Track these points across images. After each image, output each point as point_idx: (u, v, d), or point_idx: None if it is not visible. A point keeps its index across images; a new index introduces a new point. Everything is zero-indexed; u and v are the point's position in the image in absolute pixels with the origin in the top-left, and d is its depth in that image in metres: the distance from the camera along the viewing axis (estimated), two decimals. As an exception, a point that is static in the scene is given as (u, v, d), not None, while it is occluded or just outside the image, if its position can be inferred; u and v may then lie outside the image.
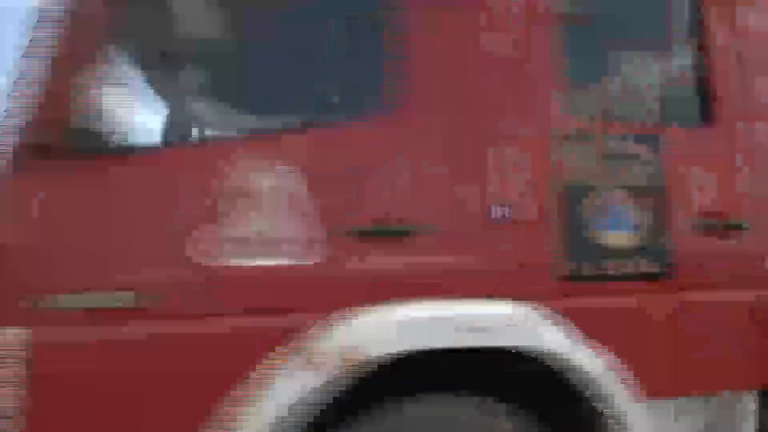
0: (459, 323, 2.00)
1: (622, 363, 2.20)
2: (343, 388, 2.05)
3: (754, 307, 2.37)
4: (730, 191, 2.41)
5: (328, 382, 1.89)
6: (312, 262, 1.98)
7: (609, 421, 2.12)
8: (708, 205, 2.38)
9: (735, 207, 2.41)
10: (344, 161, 2.04)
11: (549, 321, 2.13)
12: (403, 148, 2.10)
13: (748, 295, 2.37)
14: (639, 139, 2.35)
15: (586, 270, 2.22)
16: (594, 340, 2.18)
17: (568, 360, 2.07)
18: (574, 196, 2.24)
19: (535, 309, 2.13)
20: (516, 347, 2.03)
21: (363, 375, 2.01)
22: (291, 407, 1.85)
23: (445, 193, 2.11)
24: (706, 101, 2.46)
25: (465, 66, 2.22)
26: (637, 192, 2.31)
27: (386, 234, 2.05)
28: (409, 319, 1.98)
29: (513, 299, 2.13)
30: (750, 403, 2.39)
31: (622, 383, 2.17)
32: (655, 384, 2.24)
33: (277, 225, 1.99)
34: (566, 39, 2.34)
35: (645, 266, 2.28)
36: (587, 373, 2.10)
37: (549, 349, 2.05)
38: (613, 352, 2.19)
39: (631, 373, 2.20)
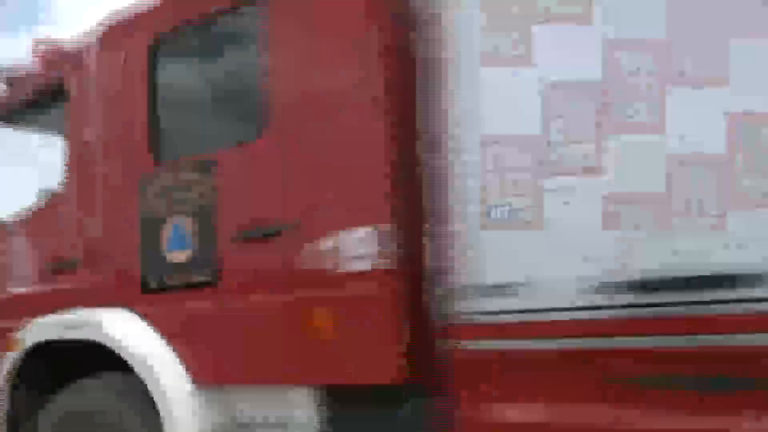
0: (65, 323, 3.04)
1: (178, 353, 2.80)
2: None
3: (297, 306, 2.57)
4: (276, 198, 2.64)
5: (13, 364, 3.19)
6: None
7: (158, 400, 2.78)
8: (252, 216, 2.69)
9: (277, 213, 2.62)
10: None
11: (131, 321, 2.93)
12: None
13: (287, 297, 2.59)
14: (195, 168, 2.85)
15: (154, 283, 2.91)
16: (162, 335, 2.86)
17: (125, 348, 2.84)
18: (149, 226, 2.94)
19: (124, 312, 2.96)
20: (94, 340, 2.93)
21: (30, 359, 3.20)
22: None
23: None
24: (260, 115, 2.72)
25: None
26: (191, 215, 2.84)
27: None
28: (43, 321, 3.12)
29: (114, 306, 3.00)
30: (304, 397, 2.59)
31: (174, 369, 2.79)
32: (203, 373, 2.75)
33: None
34: (154, 89, 3.01)
35: (196, 277, 2.80)
36: (142, 359, 2.81)
37: (113, 341, 2.88)
38: (172, 345, 2.82)
39: (185, 362, 2.79)
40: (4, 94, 3.71)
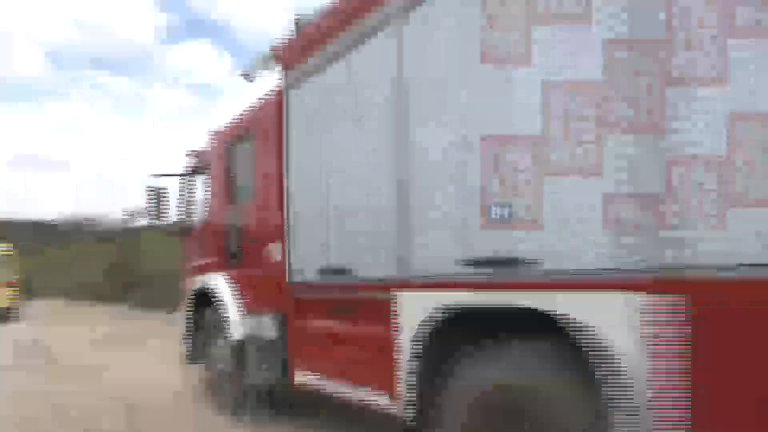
0: (202, 281, 6.55)
1: (238, 295, 6.06)
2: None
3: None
4: (257, 224, 5.68)
5: (190, 297, 6.88)
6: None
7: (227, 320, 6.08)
8: (249, 232, 5.77)
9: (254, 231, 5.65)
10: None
11: (221, 279, 6.29)
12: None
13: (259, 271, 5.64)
14: (237, 210, 6.04)
15: (228, 262, 6.20)
16: (235, 286, 6.15)
17: (214, 292, 6.21)
18: (228, 234, 6.24)
19: (220, 275, 6.33)
20: (210, 289, 6.37)
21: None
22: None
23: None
24: (252, 189, 5.77)
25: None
26: (238, 231, 6.03)
27: None
28: (197, 278, 6.70)
29: (219, 272, 6.40)
30: (269, 320, 5.62)
31: (234, 301, 6.05)
32: (246, 305, 5.95)
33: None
34: (229, 167, 6.31)
35: (237, 259, 6.00)
36: (222, 299, 6.15)
37: (212, 289, 6.28)
38: (238, 291, 6.09)
39: (240, 299, 6.03)
40: (198, 163, 7.30)
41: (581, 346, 2.43)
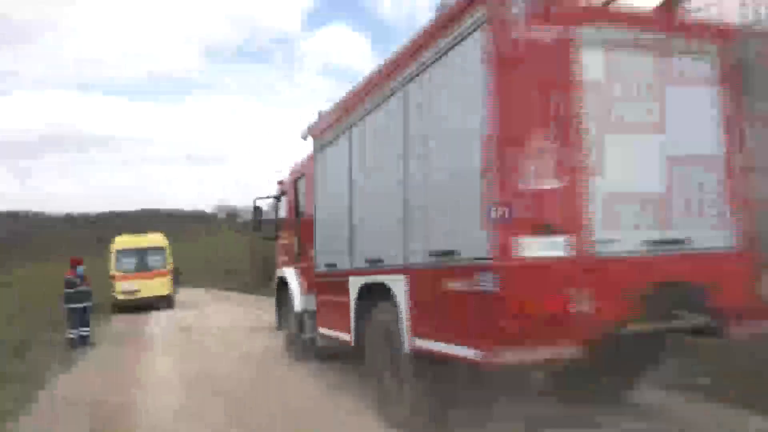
0: (278, 273, 9.85)
1: (301, 282, 9.28)
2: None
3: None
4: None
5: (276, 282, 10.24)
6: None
7: (293, 296, 9.31)
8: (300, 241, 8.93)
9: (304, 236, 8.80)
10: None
11: (293, 272, 9.54)
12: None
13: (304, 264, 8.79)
14: (300, 222, 9.24)
15: (294, 260, 9.43)
16: (301, 277, 9.38)
17: (287, 281, 9.47)
18: (295, 241, 9.49)
19: (291, 269, 9.58)
20: (284, 277, 9.65)
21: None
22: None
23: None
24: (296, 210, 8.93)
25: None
26: (299, 239, 9.24)
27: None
28: (279, 270, 10.03)
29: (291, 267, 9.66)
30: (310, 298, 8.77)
31: (299, 286, 9.27)
32: (305, 287, 9.14)
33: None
34: (297, 196, 9.55)
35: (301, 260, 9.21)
36: (293, 285, 9.39)
37: (285, 278, 9.55)
38: (300, 279, 9.31)
39: (301, 284, 9.25)
40: (281, 190, 10.63)
41: (390, 297, 5.24)
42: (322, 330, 7.76)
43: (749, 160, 4.37)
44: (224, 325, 15.59)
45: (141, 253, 21.99)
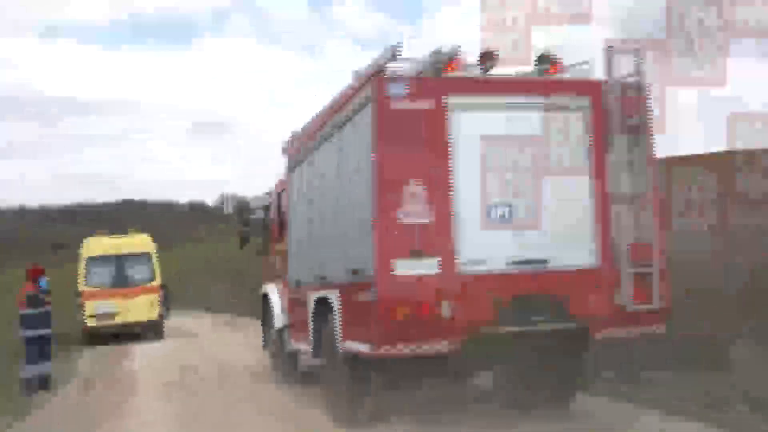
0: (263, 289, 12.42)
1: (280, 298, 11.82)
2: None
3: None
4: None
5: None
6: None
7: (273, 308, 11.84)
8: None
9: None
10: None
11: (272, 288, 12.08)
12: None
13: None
14: (286, 239, 11.78)
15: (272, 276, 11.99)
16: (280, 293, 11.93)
17: (268, 295, 12.02)
18: (274, 256, 12.06)
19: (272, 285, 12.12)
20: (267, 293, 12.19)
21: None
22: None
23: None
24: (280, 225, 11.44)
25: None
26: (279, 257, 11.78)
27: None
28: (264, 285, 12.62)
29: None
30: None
31: (278, 301, 11.80)
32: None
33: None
34: (279, 207, 12.12)
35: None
36: (273, 299, 11.95)
37: (266, 292, 12.10)
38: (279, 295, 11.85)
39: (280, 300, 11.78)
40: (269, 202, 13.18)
41: (331, 308, 7.67)
42: (294, 344, 10.24)
43: (609, 189, 6.65)
44: (233, 362, 14.17)
45: (120, 261, 19.98)
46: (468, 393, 8.36)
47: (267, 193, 13.19)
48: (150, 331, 19.69)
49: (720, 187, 8.46)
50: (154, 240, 21.15)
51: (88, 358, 16.58)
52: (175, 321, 22.33)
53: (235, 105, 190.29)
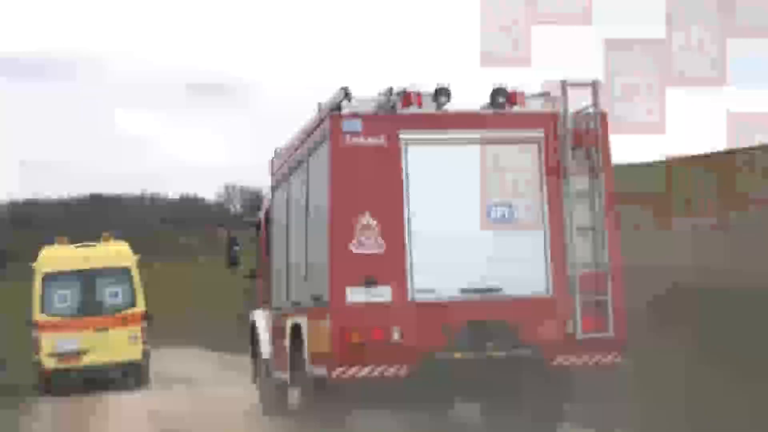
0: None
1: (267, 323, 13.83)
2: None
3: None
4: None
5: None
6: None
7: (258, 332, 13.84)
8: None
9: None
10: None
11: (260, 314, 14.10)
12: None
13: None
14: (268, 262, 13.81)
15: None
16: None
17: (255, 322, 14.04)
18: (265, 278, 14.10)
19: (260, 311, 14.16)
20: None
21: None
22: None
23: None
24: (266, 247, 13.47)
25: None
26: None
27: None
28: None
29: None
30: None
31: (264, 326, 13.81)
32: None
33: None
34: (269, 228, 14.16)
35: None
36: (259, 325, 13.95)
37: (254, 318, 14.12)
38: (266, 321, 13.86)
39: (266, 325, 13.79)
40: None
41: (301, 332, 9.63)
42: (277, 374, 12.20)
43: (564, 219, 8.52)
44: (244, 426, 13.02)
45: (88, 279, 18.58)
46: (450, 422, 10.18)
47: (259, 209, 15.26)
48: (129, 376, 18.27)
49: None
50: (134, 250, 19.80)
51: (36, 420, 14.68)
52: (163, 362, 20.89)
53: (243, 62, 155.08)
